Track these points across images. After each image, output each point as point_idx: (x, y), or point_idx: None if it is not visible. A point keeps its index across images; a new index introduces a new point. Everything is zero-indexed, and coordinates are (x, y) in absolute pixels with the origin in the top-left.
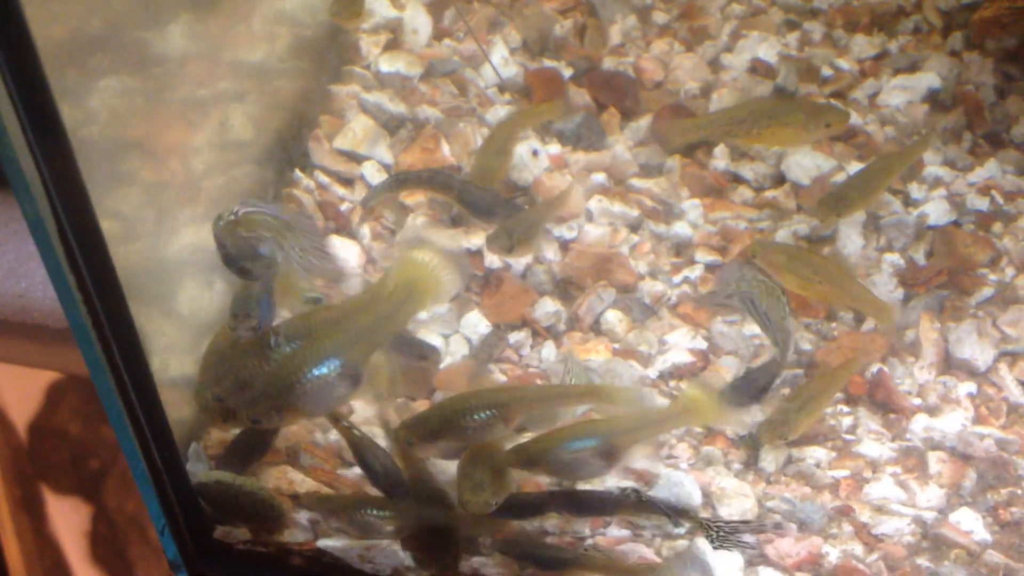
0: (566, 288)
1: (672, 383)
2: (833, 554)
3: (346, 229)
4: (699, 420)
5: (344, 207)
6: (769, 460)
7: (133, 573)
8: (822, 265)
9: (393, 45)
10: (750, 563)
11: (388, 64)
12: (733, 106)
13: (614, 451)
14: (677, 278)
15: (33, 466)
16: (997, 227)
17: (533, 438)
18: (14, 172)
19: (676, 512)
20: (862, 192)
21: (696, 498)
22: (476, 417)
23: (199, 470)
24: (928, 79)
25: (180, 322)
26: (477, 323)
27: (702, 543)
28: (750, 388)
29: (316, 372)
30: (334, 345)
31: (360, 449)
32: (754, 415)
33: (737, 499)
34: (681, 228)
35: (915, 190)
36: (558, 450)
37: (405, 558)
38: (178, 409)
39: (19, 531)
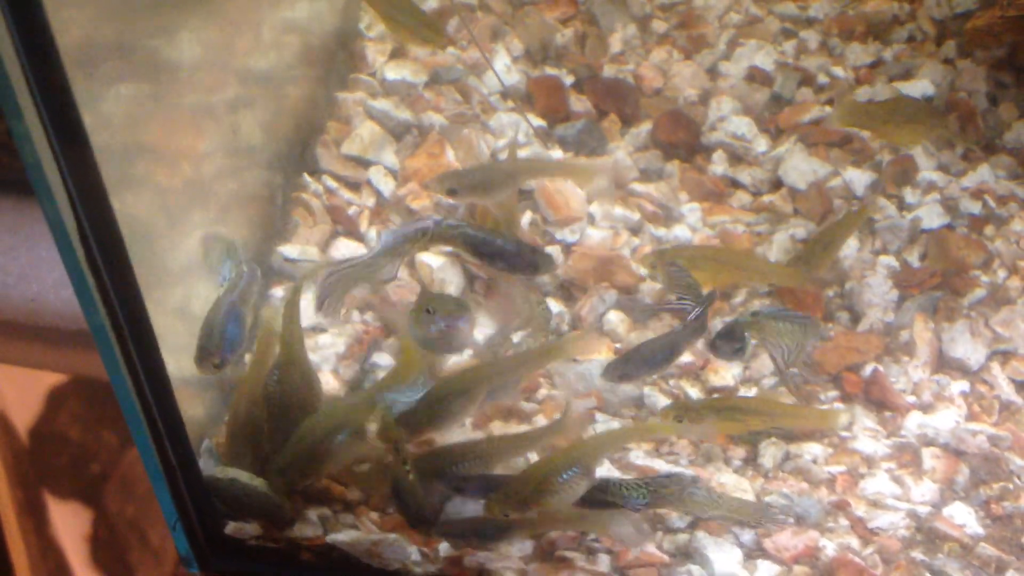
0: (569, 290)
1: (672, 382)
2: (830, 547)
3: (354, 232)
4: (652, 436)
5: (352, 211)
6: (767, 456)
7: None
8: (722, 255)
9: (398, 53)
10: (748, 556)
11: (394, 72)
12: (887, 100)
13: (590, 471)
14: None
15: (34, 470)
16: (989, 230)
17: (512, 480)
18: (37, 177)
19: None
20: (827, 250)
21: None
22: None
23: (211, 466)
24: (922, 86)
25: (193, 322)
26: (482, 324)
27: (702, 536)
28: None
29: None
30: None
31: (402, 488)
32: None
33: (736, 494)
34: (681, 231)
35: (909, 194)
36: (552, 484)
37: (412, 552)
38: (191, 406)
39: (24, 535)
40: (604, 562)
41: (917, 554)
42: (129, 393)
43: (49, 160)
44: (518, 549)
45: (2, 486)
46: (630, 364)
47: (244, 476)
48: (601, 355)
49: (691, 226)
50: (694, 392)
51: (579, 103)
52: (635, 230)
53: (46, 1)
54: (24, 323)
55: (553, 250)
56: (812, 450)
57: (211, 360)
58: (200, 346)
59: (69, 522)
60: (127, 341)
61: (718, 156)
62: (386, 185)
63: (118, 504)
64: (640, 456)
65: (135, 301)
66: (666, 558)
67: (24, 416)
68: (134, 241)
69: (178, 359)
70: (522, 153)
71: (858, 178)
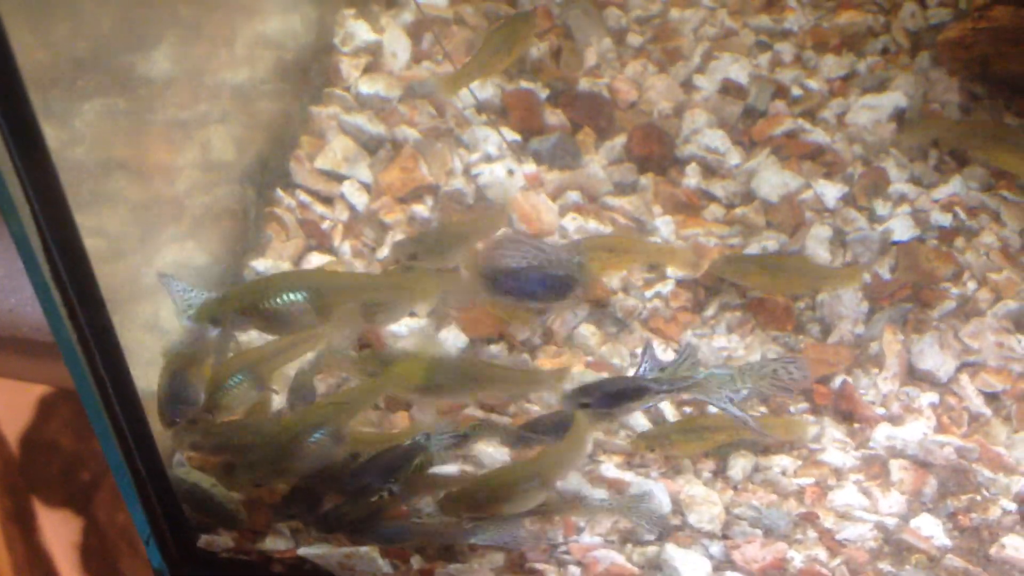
0: None
1: None
2: (798, 559)
3: (327, 247)
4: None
5: (325, 225)
6: (737, 468)
7: None
8: (612, 242)
9: (373, 68)
10: (717, 568)
11: (368, 86)
12: (982, 120)
13: (549, 482)
14: (649, 293)
15: (24, 479)
16: (959, 242)
17: (466, 485)
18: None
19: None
20: (762, 267)
21: (666, 505)
22: None
23: (179, 472)
24: (895, 98)
25: (162, 336)
26: (455, 337)
27: (671, 548)
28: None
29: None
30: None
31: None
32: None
33: (705, 506)
34: None
35: (880, 207)
36: (511, 492)
37: (384, 566)
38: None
39: (10, 543)
40: (575, 575)
41: (885, 566)
42: (98, 407)
43: (11, 175)
44: (488, 562)
45: None
46: (591, 395)
47: (207, 481)
48: (573, 368)
49: (664, 239)
50: (667, 408)
51: (554, 116)
52: None
53: (10, 17)
54: (3, 334)
55: None
56: (781, 462)
57: (165, 420)
58: (158, 408)
59: (59, 531)
60: (94, 354)
61: (692, 169)
62: (360, 199)
63: (108, 512)
64: (611, 469)
65: (101, 315)
66: (636, 570)
67: (15, 424)
68: (104, 256)
69: (147, 373)
70: (496, 167)
71: (829, 190)
